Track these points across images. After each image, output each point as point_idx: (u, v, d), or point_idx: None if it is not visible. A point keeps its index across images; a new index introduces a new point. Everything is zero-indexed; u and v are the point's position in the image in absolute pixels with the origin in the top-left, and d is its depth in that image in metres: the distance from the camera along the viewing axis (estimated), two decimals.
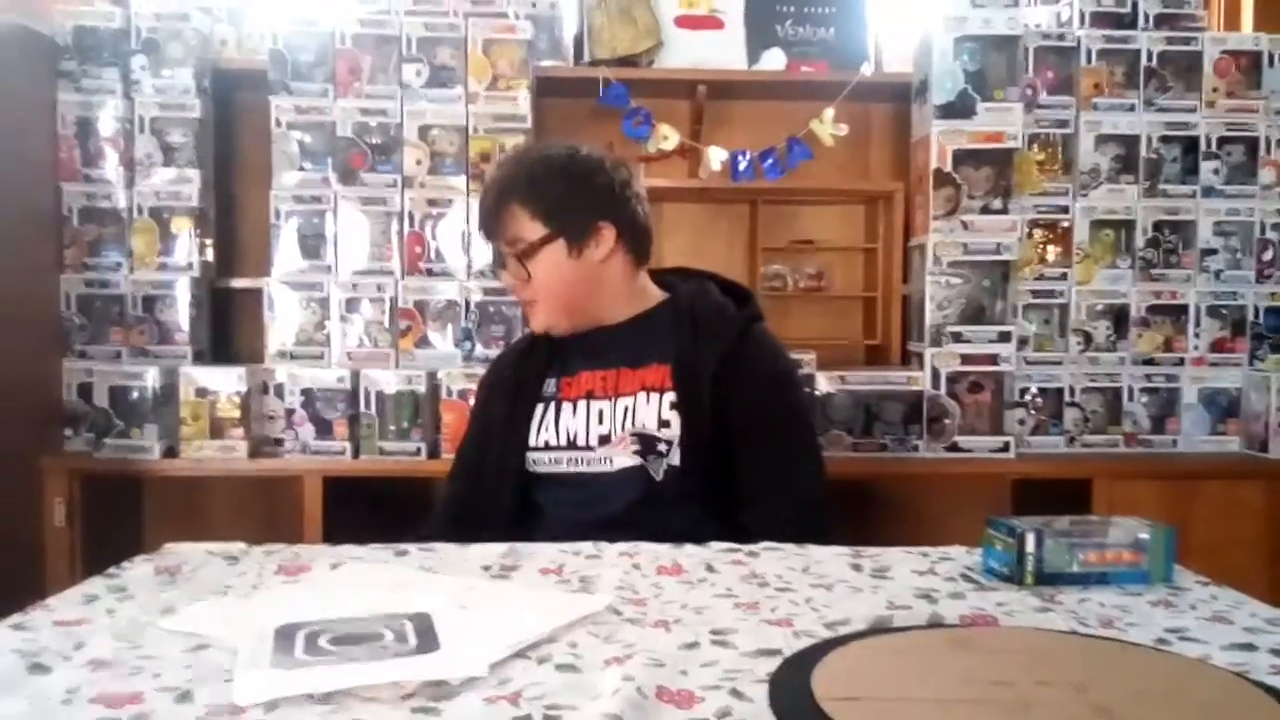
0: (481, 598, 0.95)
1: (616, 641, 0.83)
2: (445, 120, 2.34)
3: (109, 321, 2.36)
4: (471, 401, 2.00)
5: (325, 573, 1.06)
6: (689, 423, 1.42)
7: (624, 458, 1.44)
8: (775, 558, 1.12)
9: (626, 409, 1.45)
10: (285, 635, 0.80)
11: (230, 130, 2.57)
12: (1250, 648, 0.82)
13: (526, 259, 1.47)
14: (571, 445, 1.47)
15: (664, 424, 1.43)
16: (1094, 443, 2.41)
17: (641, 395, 1.46)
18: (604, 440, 1.45)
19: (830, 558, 1.12)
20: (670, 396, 1.44)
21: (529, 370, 1.55)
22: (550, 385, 1.52)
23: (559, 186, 1.47)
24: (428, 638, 0.80)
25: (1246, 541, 2.22)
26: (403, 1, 2.43)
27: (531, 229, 1.46)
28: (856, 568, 1.08)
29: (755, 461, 1.43)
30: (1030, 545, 1.02)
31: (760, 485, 1.43)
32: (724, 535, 1.21)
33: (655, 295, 1.56)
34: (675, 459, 1.42)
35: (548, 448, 1.48)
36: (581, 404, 1.48)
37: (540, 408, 1.50)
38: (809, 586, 1.01)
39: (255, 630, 0.82)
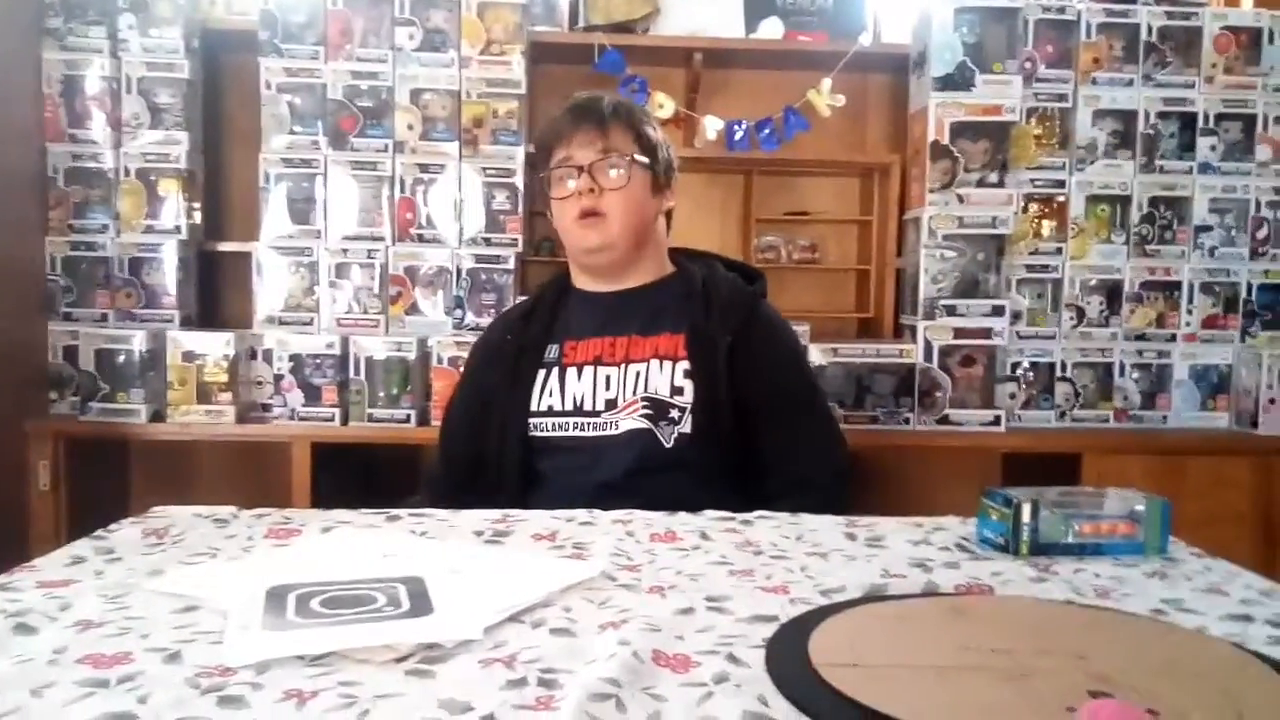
0: (475, 562, 0.94)
1: (611, 607, 0.82)
2: (438, 84, 2.32)
3: (95, 284, 2.33)
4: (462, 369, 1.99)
5: (316, 537, 1.05)
6: (704, 390, 1.43)
7: (630, 421, 1.43)
8: (769, 526, 1.12)
9: (638, 374, 1.45)
10: (276, 597, 0.79)
11: (219, 92, 2.54)
12: (1246, 619, 0.82)
13: (620, 167, 1.49)
14: (578, 410, 1.46)
15: (677, 390, 1.43)
16: (1084, 418, 2.41)
17: (655, 362, 1.46)
18: (610, 405, 1.45)
19: (824, 526, 1.12)
20: (684, 365, 1.45)
21: (531, 335, 1.53)
22: (552, 350, 1.51)
23: (658, 133, 1.57)
24: (421, 601, 0.79)
25: (1234, 517, 2.23)
26: None
27: (634, 149, 1.50)
28: (851, 537, 1.08)
29: (779, 434, 1.45)
30: (1026, 516, 1.01)
31: (786, 456, 1.45)
32: (726, 507, 1.20)
33: (668, 266, 1.59)
34: (687, 427, 1.42)
35: (551, 413, 1.47)
36: (588, 369, 1.47)
37: (542, 373, 1.49)
38: (804, 555, 1.00)
39: (246, 592, 0.81)
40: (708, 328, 1.47)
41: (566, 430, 1.46)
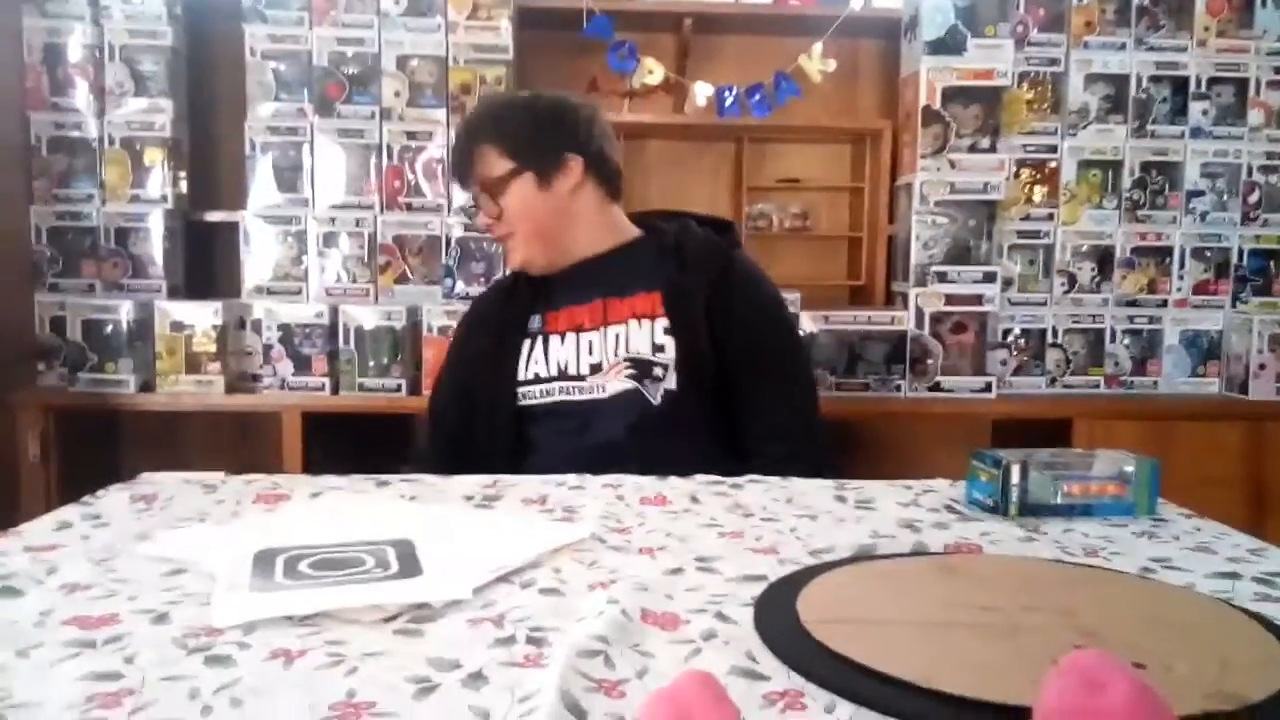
0: (464, 526, 0.94)
1: (601, 567, 0.82)
2: (424, 50, 2.29)
3: (81, 254, 2.31)
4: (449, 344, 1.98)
5: (305, 501, 1.04)
6: (685, 345, 1.43)
7: (617, 382, 1.44)
8: (759, 489, 1.12)
9: (618, 336, 1.45)
10: (264, 560, 0.79)
11: (204, 59, 2.51)
12: (1234, 576, 0.82)
13: (497, 194, 1.49)
14: (563, 375, 1.46)
15: (658, 348, 1.44)
16: (1075, 383, 2.42)
17: (633, 322, 1.46)
18: (595, 369, 1.45)
19: (814, 489, 1.12)
20: (663, 322, 1.45)
21: (513, 307, 1.55)
22: (535, 321, 1.52)
23: (525, 123, 1.51)
24: (410, 563, 0.79)
25: (1224, 482, 2.24)
26: None
27: (500, 166, 1.48)
28: (840, 499, 1.08)
29: (756, 388, 1.45)
30: (1015, 477, 1.01)
31: (762, 410, 1.45)
32: (724, 461, 1.22)
33: (632, 230, 1.58)
34: (671, 383, 1.42)
35: (538, 380, 1.47)
36: (570, 336, 1.48)
37: (527, 343, 1.50)
38: (793, 517, 1.00)
39: (234, 555, 0.80)
40: (683, 281, 1.47)
41: (553, 395, 1.46)
